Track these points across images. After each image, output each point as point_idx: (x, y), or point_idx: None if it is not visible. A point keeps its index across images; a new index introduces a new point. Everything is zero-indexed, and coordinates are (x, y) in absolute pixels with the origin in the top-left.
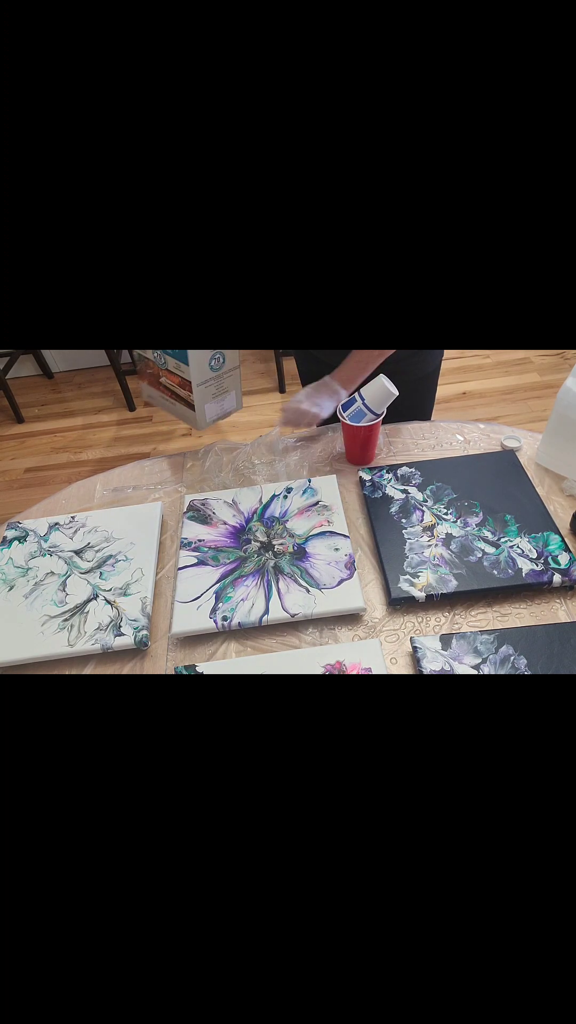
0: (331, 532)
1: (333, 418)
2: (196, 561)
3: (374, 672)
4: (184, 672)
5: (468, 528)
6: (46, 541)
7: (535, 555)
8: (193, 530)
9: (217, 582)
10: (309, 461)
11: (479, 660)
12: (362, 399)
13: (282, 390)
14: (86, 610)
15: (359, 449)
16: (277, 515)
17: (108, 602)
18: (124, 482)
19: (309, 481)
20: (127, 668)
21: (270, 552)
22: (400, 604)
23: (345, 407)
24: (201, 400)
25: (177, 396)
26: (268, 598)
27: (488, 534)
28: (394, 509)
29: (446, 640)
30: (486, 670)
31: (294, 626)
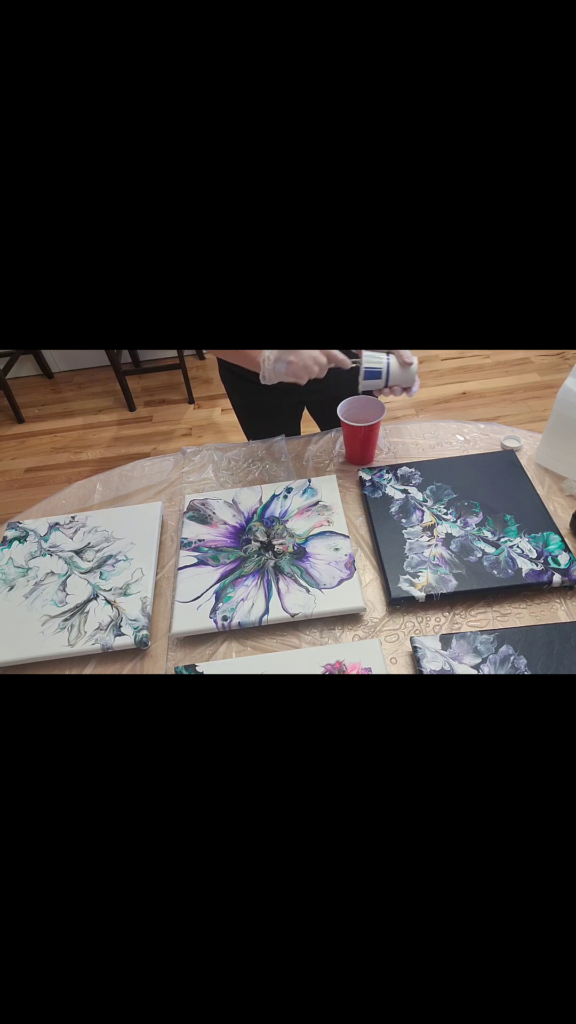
0: (331, 532)
1: (334, 419)
2: (196, 561)
3: (374, 672)
4: (184, 672)
5: (468, 528)
6: (46, 541)
7: (535, 555)
8: (193, 530)
9: (217, 582)
10: (309, 461)
11: (479, 660)
12: (387, 364)
13: None
14: (86, 610)
15: (359, 449)
16: (277, 515)
17: (108, 602)
18: (124, 482)
19: (309, 481)
20: (127, 668)
21: (270, 552)
22: (400, 604)
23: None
24: None
25: None
26: (268, 598)
27: (488, 534)
28: (394, 509)
29: (446, 640)
30: (486, 670)
31: (294, 626)
